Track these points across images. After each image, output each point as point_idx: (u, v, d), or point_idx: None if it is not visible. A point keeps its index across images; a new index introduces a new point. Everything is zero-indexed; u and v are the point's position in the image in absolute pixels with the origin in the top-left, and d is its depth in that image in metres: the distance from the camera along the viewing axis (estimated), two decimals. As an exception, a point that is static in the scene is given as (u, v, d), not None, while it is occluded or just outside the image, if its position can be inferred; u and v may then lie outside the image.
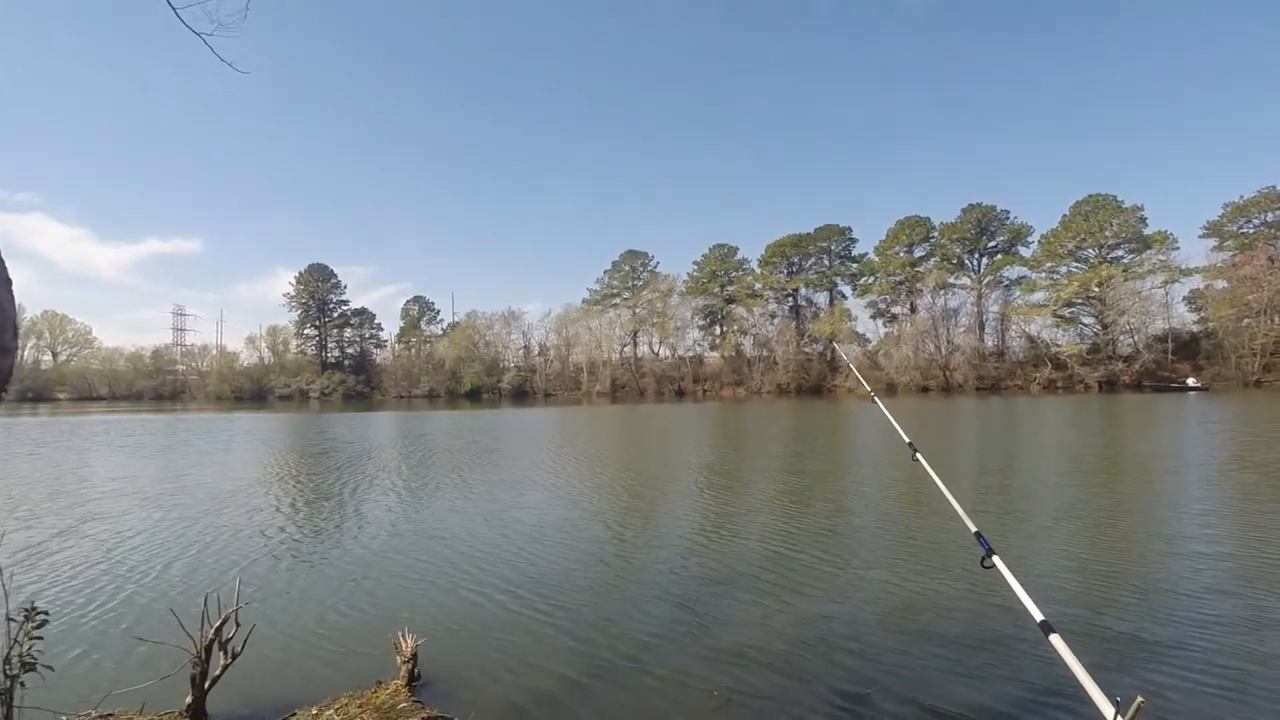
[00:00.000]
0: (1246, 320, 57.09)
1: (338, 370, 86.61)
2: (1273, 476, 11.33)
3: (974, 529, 2.51)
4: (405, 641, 4.34)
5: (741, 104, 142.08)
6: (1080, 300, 66.69)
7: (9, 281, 2.38)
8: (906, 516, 9.00)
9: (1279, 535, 7.47)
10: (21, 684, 3.10)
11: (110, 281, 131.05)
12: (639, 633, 5.02)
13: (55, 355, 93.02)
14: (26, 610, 3.18)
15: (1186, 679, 4.04)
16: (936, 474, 2.93)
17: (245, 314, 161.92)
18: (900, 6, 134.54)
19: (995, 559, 2.22)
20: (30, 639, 3.11)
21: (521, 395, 77.66)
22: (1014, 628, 4.83)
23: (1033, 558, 6.84)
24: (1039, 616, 1.88)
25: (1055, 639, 1.78)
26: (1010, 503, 9.94)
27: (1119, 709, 1.45)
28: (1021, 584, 2.03)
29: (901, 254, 76.03)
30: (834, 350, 71.75)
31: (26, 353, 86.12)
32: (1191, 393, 48.40)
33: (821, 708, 3.82)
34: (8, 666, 3.07)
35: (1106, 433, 20.97)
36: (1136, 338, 64.32)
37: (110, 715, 3.54)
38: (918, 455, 3.22)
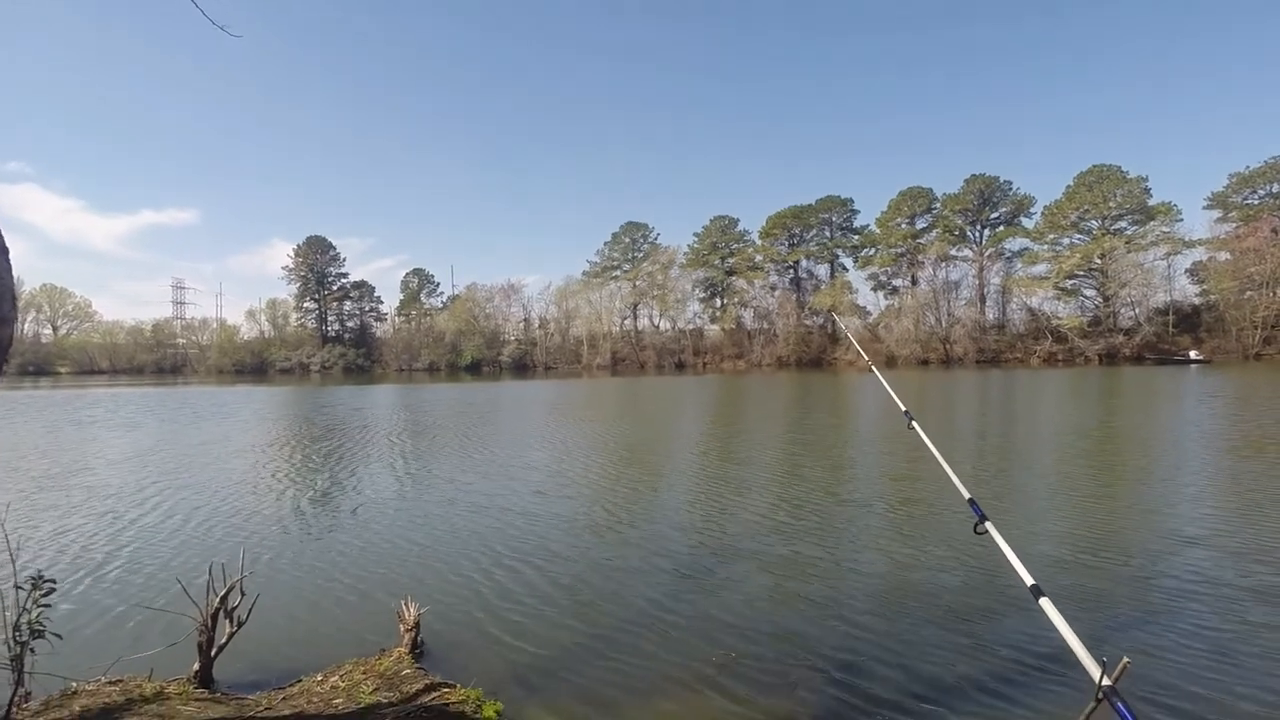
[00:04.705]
0: (1248, 293, 56.77)
1: (338, 343, 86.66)
2: (1266, 452, 11.39)
3: (967, 495, 2.52)
4: (408, 610, 4.40)
5: (740, 75, 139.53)
6: (1082, 272, 66.34)
7: (6, 250, 2.35)
8: (901, 484, 9.08)
9: (1269, 508, 7.55)
10: (31, 650, 3.16)
11: (105, 253, 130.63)
12: (637, 600, 5.10)
13: (55, 329, 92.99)
14: (34, 579, 3.23)
15: (1172, 643, 4.12)
16: (932, 443, 2.94)
17: (242, 285, 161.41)
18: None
19: (988, 525, 2.24)
20: (38, 606, 3.17)
21: (521, 368, 77.80)
22: (1005, 592, 4.91)
23: (1025, 525, 6.92)
24: (1029, 581, 1.90)
25: (1045, 602, 1.80)
26: (1005, 472, 10.03)
27: (1105, 670, 1.48)
28: (1013, 549, 2.05)
29: (903, 225, 75.35)
30: (834, 322, 71.58)
31: (27, 326, 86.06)
32: (1192, 365, 48.48)
33: (816, 671, 3.90)
34: (17, 634, 3.13)
35: (1103, 406, 21.04)
36: (1138, 310, 64.12)
37: (119, 681, 3.61)
38: (913, 423, 3.23)
